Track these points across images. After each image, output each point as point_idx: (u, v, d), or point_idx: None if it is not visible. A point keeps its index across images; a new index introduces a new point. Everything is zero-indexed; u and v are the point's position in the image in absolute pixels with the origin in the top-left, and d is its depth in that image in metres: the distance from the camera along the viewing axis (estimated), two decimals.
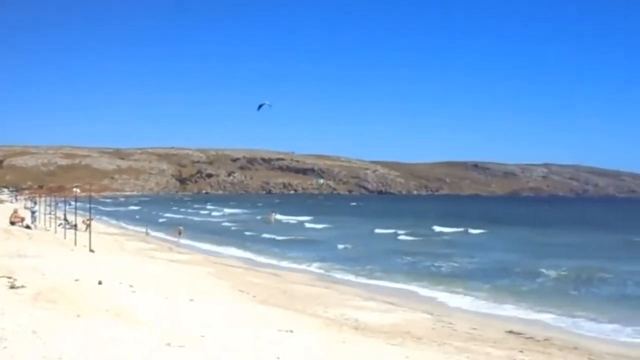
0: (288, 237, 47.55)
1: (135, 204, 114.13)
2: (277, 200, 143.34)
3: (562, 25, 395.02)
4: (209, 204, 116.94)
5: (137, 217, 74.83)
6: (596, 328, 17.75)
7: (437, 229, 56.51)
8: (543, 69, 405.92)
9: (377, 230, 54.01)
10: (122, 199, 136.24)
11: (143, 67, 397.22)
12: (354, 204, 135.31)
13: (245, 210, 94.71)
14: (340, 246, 39.78)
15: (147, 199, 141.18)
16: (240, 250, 38.48)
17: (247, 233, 52.12)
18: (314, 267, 30.91)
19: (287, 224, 66.78)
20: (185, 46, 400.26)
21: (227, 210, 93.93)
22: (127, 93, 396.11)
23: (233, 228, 59.65)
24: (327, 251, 37.64)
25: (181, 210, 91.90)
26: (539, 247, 39.66)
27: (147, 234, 47.20)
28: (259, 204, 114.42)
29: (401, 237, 48.51)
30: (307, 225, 62.52)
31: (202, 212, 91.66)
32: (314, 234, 51.62)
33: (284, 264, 32.60)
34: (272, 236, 48.10)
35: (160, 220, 68.81)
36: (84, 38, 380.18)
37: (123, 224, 61.66)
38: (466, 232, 53.62)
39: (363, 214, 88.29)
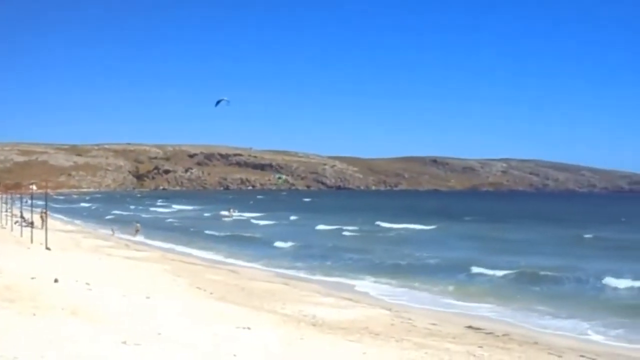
0: (230, 234, 47.23)
1: (88, 201, 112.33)
2: (231, 197, 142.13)
3: (520, 17, 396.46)
4: (159, 200, 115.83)
5: (84, 214, 73.64)
6: (554, 323, 17.83)
7: (383, 224, 56.08)
8: (501, 63, 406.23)
9: (320, 227, 53.27)
10: (75, 196, 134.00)
11: (99, 64, 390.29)
12: (307, 199, 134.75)
13: (195, 207, 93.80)
14: (280, 244, 39.13)
15: (100, 195, 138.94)
16: (179, 246, 38.40)
17: (192, 229, 51.70)
18: (243, 263, 31.02)
19: (235, 220, 66.40)
20: (142, 43, 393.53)
21: (176, 207, 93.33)
22: (84, 89, 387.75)
23: (176, 224, 59.42)
24: (264, 249, 37.12)
25: (131, 207, 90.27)
26: (493, 243, 39.99)
27: (112, 234, 46.66)
28: (205, 201, 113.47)
29: (345, 234, 48.24)
30: (254, 221, 61.99)
31: (152, 208, 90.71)
32: (257, 231, 51.05)
33: (218, 257, 33.17)
34: (214, 232, 47.93)
35: (108, 217, 67.47)
36: (38, 35, 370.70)
37: (80, 222, 60.73)
38: (413, 227, 53.38)
39: (314, 209, 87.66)
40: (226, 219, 66.97)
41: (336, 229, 51.25)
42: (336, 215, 67.42)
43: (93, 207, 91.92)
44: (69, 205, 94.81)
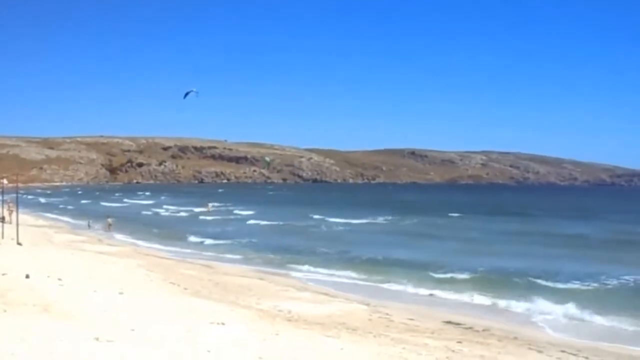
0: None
1: (60, 195, 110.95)
2: (185, 190, 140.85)
3: (499, 9, 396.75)
4: (135, 193, 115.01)
5: (56, 208, 72.49)
6: (535, 318, 17.88)
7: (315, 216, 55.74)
8: (480, 53, 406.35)
9: (251, 222, 52.75)
10: (48, 191, 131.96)
11: (72, 54, 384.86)
12: (271, 193, 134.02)
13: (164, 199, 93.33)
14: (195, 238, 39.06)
15: (72, 190, 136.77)
16: (153, 241, 38.14)
17: (168, 223, 51.55)
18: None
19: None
20: (112, 35, 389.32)
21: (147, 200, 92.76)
22: (55, 80, 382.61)
23: (151, 218, 59.11)
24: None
25: (101, 202, 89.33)
26: (472, 235, 40.20)
27: (89, 226, 46.06)
28: (162, 194, 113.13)
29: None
30: (201, 217, 61.05)
31: (126, 200, 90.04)
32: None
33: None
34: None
35: (81, 211, 66.49)
36: (6, 29, 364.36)
37: (52, 216, 59.99)
38: (350, 222, 52.19)
39: (271, 202, 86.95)
40: (206, 211, 66.20)
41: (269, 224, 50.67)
42: (280, 208, 67.38)
43: (65, 201, 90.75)
44: (41, 200, 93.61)
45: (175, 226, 48.85)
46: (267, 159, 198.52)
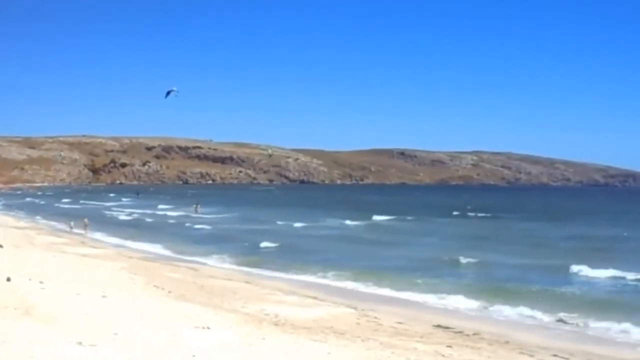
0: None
1: (42, 196, 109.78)
2: (151, 189, 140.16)
3: (488, 6, 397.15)
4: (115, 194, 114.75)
5: (38, 209, 71.90)
6: (526, 321, 17.77)
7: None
8: (471, 52, 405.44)
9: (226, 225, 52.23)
10: (30, 191, 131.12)
11: (54, 53, 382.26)
12: (254, 192, 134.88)
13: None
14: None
15: (53, 192, 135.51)
16: (137, 243, 38.03)
17: (153, 225, 51.24)
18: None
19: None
20: (96, 33, 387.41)
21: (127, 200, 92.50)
22: (37, 79, 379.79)
23: (133, 219, 58.77)
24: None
25: (85, 202, 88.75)
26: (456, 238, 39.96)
27: (71, 228, 45.69)
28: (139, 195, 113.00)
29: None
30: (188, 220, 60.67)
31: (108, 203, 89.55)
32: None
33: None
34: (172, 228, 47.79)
35: (62, 212, 66.00)
36: None
37: (34, 218, 59.46)
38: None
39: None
40: (195, 213, 65.78)
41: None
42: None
43: (47, 203, 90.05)
44: (22, 201, 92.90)
45: (161, 228, 48.57)
46: (270, 151, 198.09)
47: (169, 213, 65.92)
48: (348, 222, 53.09)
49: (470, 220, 59.19)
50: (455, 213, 65.34)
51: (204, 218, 58.94)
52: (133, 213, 66.30)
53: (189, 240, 39.04)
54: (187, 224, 51.86)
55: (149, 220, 58.08)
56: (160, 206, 76.95)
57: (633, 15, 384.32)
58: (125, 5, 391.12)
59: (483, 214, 64.87)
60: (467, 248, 33.00)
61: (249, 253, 32.76)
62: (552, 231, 45.78)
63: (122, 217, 61.85)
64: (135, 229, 46.55)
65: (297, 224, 50.31)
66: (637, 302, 20.01)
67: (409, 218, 59.33)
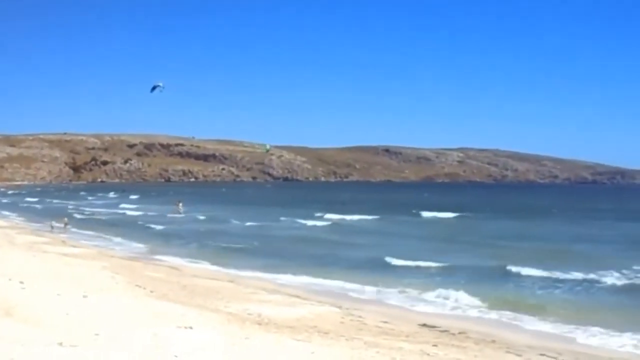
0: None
1: (23, 195, 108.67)
2: (124, 189, 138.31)
3: (474, 5, 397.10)
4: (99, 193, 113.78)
5: (18, 208, 71.17)
6: (513, 321, 17.62)
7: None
8: (457, 47, 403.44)
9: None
10: (10, 191, 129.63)
11: (34, 49, 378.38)
12: (223, 189, 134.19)
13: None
14: None
15: (36, 189, 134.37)
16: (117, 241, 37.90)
17: (138, 223, 50.98)
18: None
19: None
20: (78, 28, 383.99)
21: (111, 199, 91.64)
22: (16, 75, 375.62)
23: (115, 218, 58.32)
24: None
25: (67, 201, 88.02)
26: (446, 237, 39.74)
27: (52, 227, 45.28)
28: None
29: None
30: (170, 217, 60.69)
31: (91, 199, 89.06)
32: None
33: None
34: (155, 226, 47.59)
35: (43, 211, 65.44)
36: None
37: (14, 217, 58.88)
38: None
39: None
40: (177, 213, 65.28)
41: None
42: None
43: (27, 201, 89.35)
44: (1, 200, 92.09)
45: (142, 227, 48.27)
46: (268, 146, 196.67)
47: (149, 213, 65.55)
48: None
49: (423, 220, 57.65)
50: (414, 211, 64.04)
51: (187, 217, 58.70)
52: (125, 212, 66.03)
53: (172, 239, 38.86)
54: (171, 224, 51.63)
55: (126, 219, 57.89)
56: (126, 205, 75.88)
57: (619, 11, 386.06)
58: (102, 1, 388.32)
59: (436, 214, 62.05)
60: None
61: (231, 253, 32.60)
62: (506, 230, 44.75)
63: (101, 217, 61.49)
64: (118, 227, 46.27)
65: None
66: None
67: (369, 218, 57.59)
